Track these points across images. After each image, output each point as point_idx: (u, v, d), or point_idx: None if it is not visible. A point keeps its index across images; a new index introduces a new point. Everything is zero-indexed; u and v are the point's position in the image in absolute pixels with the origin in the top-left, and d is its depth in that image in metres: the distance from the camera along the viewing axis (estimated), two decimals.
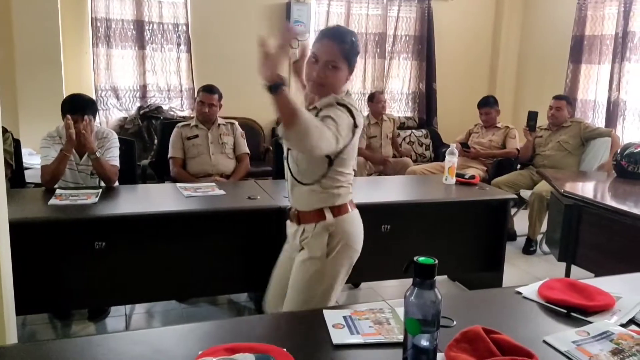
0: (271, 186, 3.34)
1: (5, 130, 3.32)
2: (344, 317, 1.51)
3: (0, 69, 4.79)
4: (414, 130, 6.06)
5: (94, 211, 2.59)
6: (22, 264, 2.29)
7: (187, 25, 5.32)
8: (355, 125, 1.89)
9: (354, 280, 3.46)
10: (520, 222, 4.67)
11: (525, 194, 4.53)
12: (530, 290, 1.71)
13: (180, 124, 3.77)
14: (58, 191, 2.81)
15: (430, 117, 6.22)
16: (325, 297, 2.02)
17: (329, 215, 1.98)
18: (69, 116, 2.87)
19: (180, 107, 5.40)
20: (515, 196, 3.53)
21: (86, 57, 5.10)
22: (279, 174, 3.87)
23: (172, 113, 5.33)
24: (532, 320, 1.55)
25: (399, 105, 6.26)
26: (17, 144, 3.36)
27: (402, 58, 6.14)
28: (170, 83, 5.39)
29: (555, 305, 1.59)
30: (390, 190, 3.47)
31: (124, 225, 2.62)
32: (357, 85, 5.98)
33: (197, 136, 3.72)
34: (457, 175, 3.45)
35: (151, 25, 5.23)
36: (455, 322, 1.45)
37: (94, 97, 5.12)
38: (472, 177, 3.45)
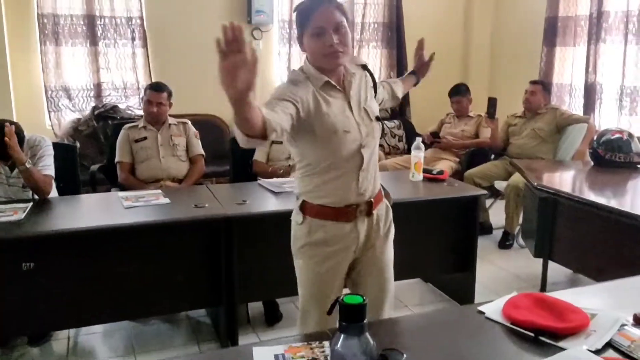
0: (225, 191, 3.10)
1: None
2: (275, 356, 1.29)
3: None
4: (386, 122, 5.82)
5: (19, 229, 2.33)
6: None
7: (141, 18, 5.02)
8: None
9: None
10: (497, 214, 4.48)
11: (501, 185, 4.34)
12: (494, 309, 1.50)
13: (127, 126, 3.50)
14: None
15: (402, 107, 6.00)
16: None
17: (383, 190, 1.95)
18: None
19: (138, 105, 5.09)
20: (484, 192, 3.32)
21: (34, 55, 4.78)
22: (237, 176, 3.64)
23: (129, 112, 5.03)
24: (496, 348, 1.35)
25: None
26: None
27: (372, 46, 5.89)
28: (126, 80, 5.09)
29: (522, 327, 1.39)
30: None
31: (53, 243, 2.36)
32: None
33: (145, 138, 3.45)
34: (425, 170, 3.23)
35: (103, 19, 4.92)
36: (405, 356, 1.23)
37: (44, 99, 4.83)
38: (441, 172, 3.24)
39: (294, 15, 1.77)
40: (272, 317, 2.99)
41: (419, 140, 3.21)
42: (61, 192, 3.07)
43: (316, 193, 1.77)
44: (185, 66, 5.10)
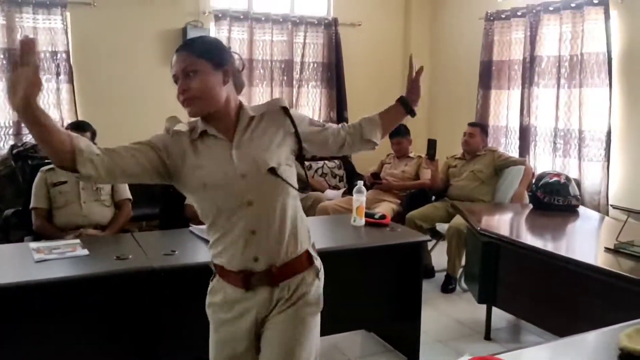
0: (152, 239, 2.85)
1: None
2: None
3: None
4: (326, 161, 5.73)
5: None
6: None
7: (67, 52, 4.75)
8: None
9: None
10: (439, 257, 4.41)
11: (442, 227, 4.28)
12: None
13: (45, 168, 3.21)
14: None
15: None
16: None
17: (314, 254, 1.70)
18: None
19: None
20: (427, 237, 3.23)
21: None
22: (167, 220, 3.40)
23: None
24: None
25: None
26: None
27: (311, 86, 5.81)
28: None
29: None
30: None
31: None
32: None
33: (65, 182, 3.16)
34: (367, 215, 3.10)
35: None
36: None
37: None
38: (383, 217, 3.12)
39: None
40: None
41: (360, 183, 3.09)
42: None
43: (213, 250, 1.63)
44: (115, 102, 4.87)
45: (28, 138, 4.67)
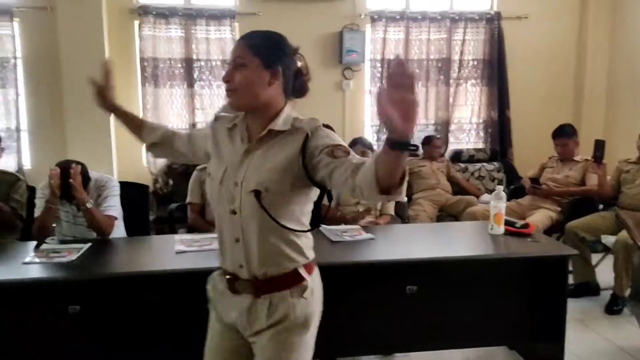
0: None
1: (17, 179, 3.23)
2: None
3: (50, 113, 4.88)
4: (484, 164, 5.43)
5: (67, 271, 2.35)
6: None
7: None
8: None
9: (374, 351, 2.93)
10: (605, 272, 3.92)
11: (609, 239, 3.79)
12: None
13: (200, 167, 3.50)
14: (43, 246, 2.62)
15: (504, 148, 5.58)
16: None
17: (304, 274, 1.56)
18: (53, 167, 2.69)
19: None
20: (574, 251, 2.86)
21: (135, 96, 5.05)
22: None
23: None
24: None
25: (468, 136, 5.66)
26: (32, 192, 3.22)
27: (470, 84, 5.56)
28: None
29: None
30: (421, 242, 2.94)
31: (99, 287, 2.35)
32: (419, 115, 5.47)
33: None
34: (507, 223, 2.88)
35: (199, 62, 5.10)
36: None
37: None
38: (525, 226, 2.87)
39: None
40: None
41: (499, 189, 2.88)
42: (129, 233, 3.11)
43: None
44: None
45: None
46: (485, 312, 2.69)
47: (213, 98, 5.19)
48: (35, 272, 2.35)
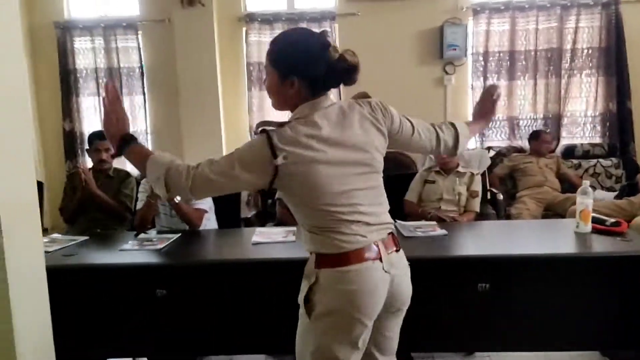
0: None
1: (128, 175, 3.60)
2: None
3: (168, 117, 5.35)
4: (601, 160, 5.04)
5: (154, 257, 2.61)
6: (88, 308, 2.42)
7: None
8: (273, 157, 1.57)
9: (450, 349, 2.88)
10: None
11: None
12: None
13: None
14: (141, 235, 2.91)
15: (624, 142, 5.13)
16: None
17: (311, 261, 1.68)
18: None
19: None
20: None
21: (242, 99, 5.37)
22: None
23: None
24: None
25: (583, 130, 5.28)
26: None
27: (585, 75, 5.19)
28: None
29: None
30: (497, 239, 2.86)
31: (182, 273, 2.58)
32: (526, 109, 5.23)
33: None
34: (596, 220, 2.69)
35: None
36: None
37: (248, 137, 5.37)
38: (616, 224, 2.66)
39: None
40: None
41: (586, 183, 2.70)
42: (221, 225, 3.34)
43: None
44: None
45: None
46: (568, 315, 2.53)
47: None
48: (127, 257, 2.63)
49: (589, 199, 2.66)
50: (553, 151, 5.05)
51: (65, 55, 5.32)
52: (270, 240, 2.75)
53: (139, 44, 5.34)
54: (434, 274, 2.54)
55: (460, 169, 3.33)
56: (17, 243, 1.74)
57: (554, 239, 2.73)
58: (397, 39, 5.21)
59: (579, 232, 2.67)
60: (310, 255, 1.70)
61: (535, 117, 5.25)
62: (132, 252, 2.69)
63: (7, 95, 1.73)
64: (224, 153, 5.19)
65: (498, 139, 5.33)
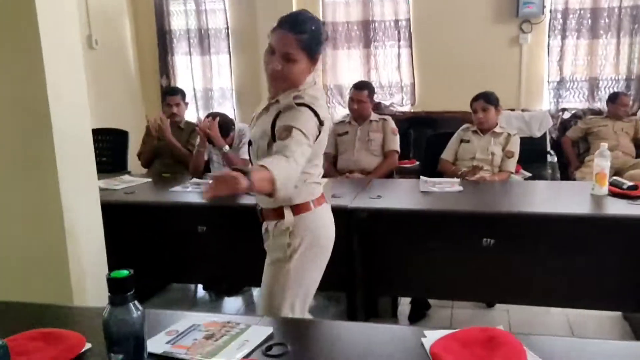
0: (390, 186, 3.22)
1: (195, 127, 4.04)
2: (190, 325, 1.43)
3: (251, 77, 5.73)
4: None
5: (198, 199, 2.99)
6: (143, 240, 2.96)
7: (408, 20, 5.32)
8: (320, 123, 1.82)
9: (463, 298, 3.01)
10: None
11: None
12: (434, 338, 1.36)
13: (336, 120, 3.89)
14: (192, 179, 3.32)
15: None
16: (292, 305, 1.94)
17: (288, 215, 1.90)
18: (205, 119, 3.37)
19: (400, 102, 5.47)
20: None
21: None
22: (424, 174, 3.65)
23: (392, 109, 5.44)
24: None
25: None
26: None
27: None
28: (391, 80, 5.49)
29: None
30: (509, 197, 2.94)
31: (219, 212, 2.91)
32: (607, 70, 4.97)
33: (347, 133, 3.79)
34: (613, 184, 2.67)
35: (374, 24, 5.42)
36: (289, 349, 1.31)
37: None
38: (633, 187, 2.62)
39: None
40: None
41: (603, 146, 2.67)
42: None
43: None
44: (448, 66, 5.19)
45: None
46: (588, 274, 2.53)
47: (387, 58, 5.47)
48: (174, 197, 3.05)
49: (606, 162, 2.64)
50: (634, 115, 4.79)
51: (162, 17, 5.86)
52: (437, 190, 2.92)
53: (225, 6, 5.74)
54: (438, 227, 2.68)
55: (497, 129, 3.36)
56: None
57: (565, 200, 2.74)
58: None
59: (595, 194, 2.67)
60: (273, 212, 1.91)
61: (617, 78, 4.99)
62: (180, 193, 3.11)
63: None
64: None
65: (576, 100, 5.14)
